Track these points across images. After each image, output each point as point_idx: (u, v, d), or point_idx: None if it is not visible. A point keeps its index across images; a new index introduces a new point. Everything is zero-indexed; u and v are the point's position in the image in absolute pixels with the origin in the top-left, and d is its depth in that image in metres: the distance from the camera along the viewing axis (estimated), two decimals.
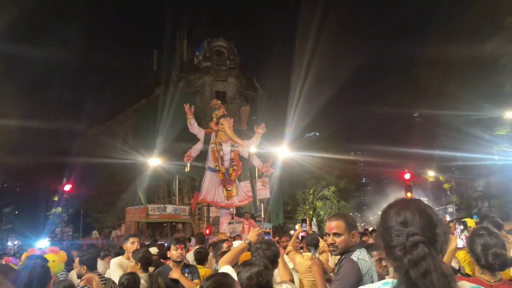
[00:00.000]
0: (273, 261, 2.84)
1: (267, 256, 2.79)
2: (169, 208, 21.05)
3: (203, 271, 4.58)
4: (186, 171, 23.92)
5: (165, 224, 20.13)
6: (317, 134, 39.66)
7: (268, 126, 14.93)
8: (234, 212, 21.31)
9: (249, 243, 3.12)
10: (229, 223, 18.26)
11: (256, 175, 10.87)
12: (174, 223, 20.62)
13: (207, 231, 20.63)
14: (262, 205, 23.83)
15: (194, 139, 28.56)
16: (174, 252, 4.39)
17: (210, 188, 10.33)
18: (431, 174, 31.95)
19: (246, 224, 14.45)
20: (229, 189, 10.20)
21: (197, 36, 35.65)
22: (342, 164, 35.37)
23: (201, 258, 4.97)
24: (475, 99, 18.08)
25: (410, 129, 32.85)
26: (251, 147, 10.57)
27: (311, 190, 36.07)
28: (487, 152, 19.17)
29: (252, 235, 3.12)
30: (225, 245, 4.97)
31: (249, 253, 3.09)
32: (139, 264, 4.08)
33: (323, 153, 34.46)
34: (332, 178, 34.91)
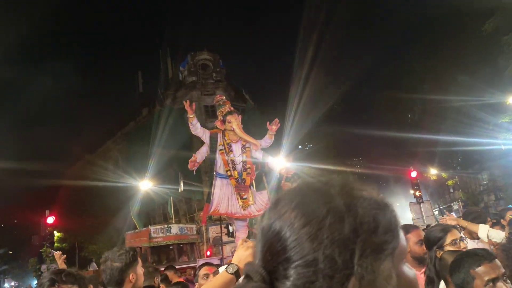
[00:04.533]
0: None
1: None
2: (174, 228, 18.91)
3: None
4: (180, 191, 22.92)
5: (171, 247, 18.19)
6: (311, 146, 38.52)
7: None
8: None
9: (237, 272, 1.73)
10: (229, 242, 16.72)
11: (265, 181, 9.05)
12: (181, 245, 18.75)
13: (208, 253, 19.35)
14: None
15: (186, 157, 27.72)
16: None
17: (222, 197, 8.31)
18: (433, 172, 31.07)
19: None
20: (244, 197, 8.31)
21: (180, 51, 34.90)
22: (341, 168, 34.33)
23: None
24: (476, 84, 17.26)
25: (411, 121, 31.84)
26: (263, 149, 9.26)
27: None
28: (493, 136, 18.30)
29: (240, 255, 1.60)
30: (202, 273, 3.39)
31: None
32: None
33: (323, 163, 33.49)
34: None
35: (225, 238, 19.50)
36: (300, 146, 36.00)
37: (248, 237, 14.71)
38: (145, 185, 23.29)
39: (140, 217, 26.15)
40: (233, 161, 8.48)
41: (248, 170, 8.51)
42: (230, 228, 16.65)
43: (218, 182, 8.46)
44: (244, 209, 8.28)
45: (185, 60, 32.08)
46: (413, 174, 17.79)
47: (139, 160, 26.52)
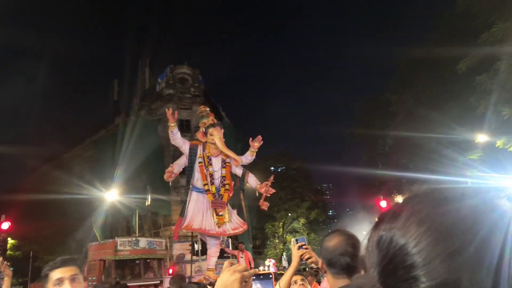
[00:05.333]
0: None
1: None
2: (143, 242, 17.88)
3: None
4: (146, 205, 22.27)
5: (137, 262, 17.26)
6: (284, 168, 38.59)
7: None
8: (229, 241, 19.21)
9: None
10: (193, 261, 16.16)
11: (242, 198, 8.61)
12: (148, 260, 17.80)
13: (170, 271, 18.68)
14: (229, 239, 22.21)
15: (156, 170, 27.09)
16: None
17: (197, 212, 7.79)
18: (400, 201, 31.54)
19: (242, 257, 12.28)
20: (220, 213, 7.83)
21: (159, 63, 34.68)
22: (312, 194, 34.54)
23: None
24: (446, 121, 17.74)
25: (378, 159, 32.67)
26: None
27: (281, 223, 34.72)
28: (461, 175, 18.72)
29: (225, 280, 1.30)
30: None
31: None
32: None
33: (293, 184, 33.59)
34: (302, 209, 33.83)
35: (189, 257, 18.95)
36: (272, 168, 36.03)
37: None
38: (111, 196, 22.54)
39: (103, 229, 25.24)
40: (211, 175, 8.07)
41: (227, 186, 8.11)
42: (196, 246, 16.20)
43: (194, 196, 7.99)
44: (219, 226, 7.81)
45: (164, 72, 31.81)
46: (383, 203, 17.99)
47: (107, 169, 25.80)
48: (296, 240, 2.69)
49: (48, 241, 28.91)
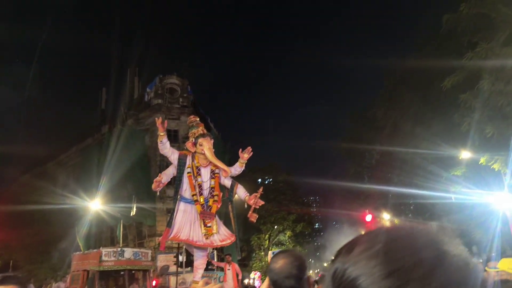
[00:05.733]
0: None
1: None
2: (128, 253, 17.48)
3: None
4: (131, 214, 22.02)
5: (122, 273, 17.00)
6: (271, 180, 38.62)
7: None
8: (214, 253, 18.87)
9: None
10: (178, 273, 15.93)
11: (231, 210, 8.41)
12: (133, 271, 17.50)
13: (154, 283, 18.41)
14: (215, 251, 22.03)
15: (142, 180, 26.86)
16: None
17: (185, 223, 7.58)
18: (386, 217, 31.73)
19: (228, 269, 12.20)
20: (208, 225, 7.65)
21: (149, 72, 34.57)
22: (298, 207, 34.57)
23: None
24: (431, 137, 18.04)
25: (365, 172, 33.03)
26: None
27: (267, 236, 34.60)
28: (445, 190, 18.99)
29: None
30: None
31: None
32: None
33: (280, 196, 33.59)
34: (289, 222, 33.80)
35: (173, 268, 18.71)
36: (259, 180, 36.03)
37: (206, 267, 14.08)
38: (95, 205, 22.24)
39: (86, 239, 24.81)
40: (200, 186, 7.92)
41: (215, 197, 7.93)
42: (180, 258, 16.03)
43: (181, 206, 7.80)
44: (207, 238, 7.61)
45: (153, 82, 31.77)
46: (368, 217, 18.11)
47: (93, 178, 25.50)
48: (273, 253, 2.69)
49: (30, 250, 28.29)
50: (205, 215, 7.54)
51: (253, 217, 7.83)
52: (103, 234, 29.02)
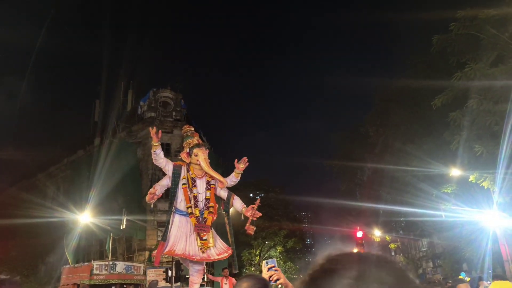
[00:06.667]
0: None
1: None
2: (120, 266, 17.47)
3: None
4: (121, 228, 21.78)
5: (113, 287, 16.85)
6: (263, 195, 38.55)
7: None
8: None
9: None
10: None
11: (227, 222, 8.15)
12: (124, 285, 17.31)
13: None
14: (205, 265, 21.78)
15: (133, 193, 26.67)
16: None
17: (180, 236, 7.29)
18: (377, 233, 31.77)
19: (226, 283, 11.80)
20: (204, 238, 7.39)
21: (142, 86, 34.64)
22: (290, 222, 34.47)
23: None
24: (422, 155, 18.22)
25: (357, 189, 33.18)
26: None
27: (258, 251, 34.36)
28: (435, 208, 19.09)
29: None
30: None
31: None
32: None
33: (271, 211, 33.51)
34: (280, 237, 33.64)
35: (162, 284, 18.46)
36: (251, 195, 35.95)
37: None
38: (85, 218, 21.98)
39: (75, 252, 24.45)
40: (195, 197, 7.68)
41: (211, 209, 7.67)
42: (170, 272, 15.82)
43: (176, 219, 7.56)
44: (203, 252, 7.33)
45: (147, 95, 31.83)
46: (359, 234, 18.12)
47: (83, 190, 25.26)
48: (267, 262, 2.77)
49: (16, 262, 27.75)
50: (200, 228, 7.33)
51: (250, 229, 7.67)
52: (92, 248, 28.60)
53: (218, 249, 7.52)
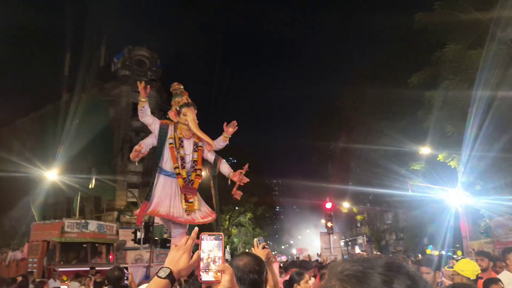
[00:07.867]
0: None
1: None
2: (92, 225, 17.04)
3: None
4: (90, 187, 21.43)
5: (85, 245, 16.38)
6: (235, 160, 38.63)
7: None
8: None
9: (170, 274, 1.48)
10: (135, 248, 15.57)
11: (212, 186, 7.96)
12: (96, 244, 16.98)
13: (110, 257, 18.12)
14: None
15: (104, 152, 26.11)
16: None
17: (164, 197, 7.09)
18: (345, 205, 32.62)
19: None
20: (190, 200, 7.21)
21: (118, 42, 33.31)
22: (261, 190, 34.82)
23: None
24: (395, 133, 18.50)
25: (329, 160, 33.67)
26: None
27: (227, 216, 34.74)
28: (402, 188, 19.62)
29: (173, 256, 1.42)
30: None
31: None
32: None
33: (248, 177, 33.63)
34: (250, 204, 34.02)
35: (130, 244, 18.46)
36: (230, 158, 35.95)
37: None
38: (52, 175, 21.44)
39: (42, 209, 23.97)
40: (182, 158, 7.43)
41: (198, 172, 7.50)
42: (138, 234, 15.79)
43: (161, 179, 7.31)
44: (188, 214, 7.18)
45: (121, 53, 30.64)
46: (328, 205, 18.47)
47: (50, 146, 24.50)
48: (259, 240, 2.98)
49: None
50: (187, 189, 7.13)
51: (237, 194, 7.59)
52: (59, 205, 28.17)
53: (203, 212, 7.39)
